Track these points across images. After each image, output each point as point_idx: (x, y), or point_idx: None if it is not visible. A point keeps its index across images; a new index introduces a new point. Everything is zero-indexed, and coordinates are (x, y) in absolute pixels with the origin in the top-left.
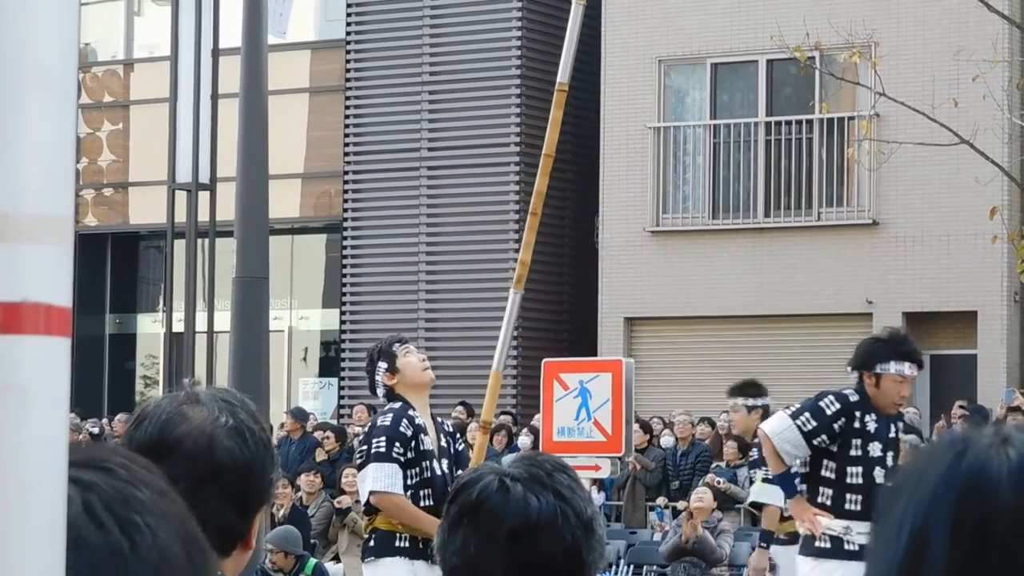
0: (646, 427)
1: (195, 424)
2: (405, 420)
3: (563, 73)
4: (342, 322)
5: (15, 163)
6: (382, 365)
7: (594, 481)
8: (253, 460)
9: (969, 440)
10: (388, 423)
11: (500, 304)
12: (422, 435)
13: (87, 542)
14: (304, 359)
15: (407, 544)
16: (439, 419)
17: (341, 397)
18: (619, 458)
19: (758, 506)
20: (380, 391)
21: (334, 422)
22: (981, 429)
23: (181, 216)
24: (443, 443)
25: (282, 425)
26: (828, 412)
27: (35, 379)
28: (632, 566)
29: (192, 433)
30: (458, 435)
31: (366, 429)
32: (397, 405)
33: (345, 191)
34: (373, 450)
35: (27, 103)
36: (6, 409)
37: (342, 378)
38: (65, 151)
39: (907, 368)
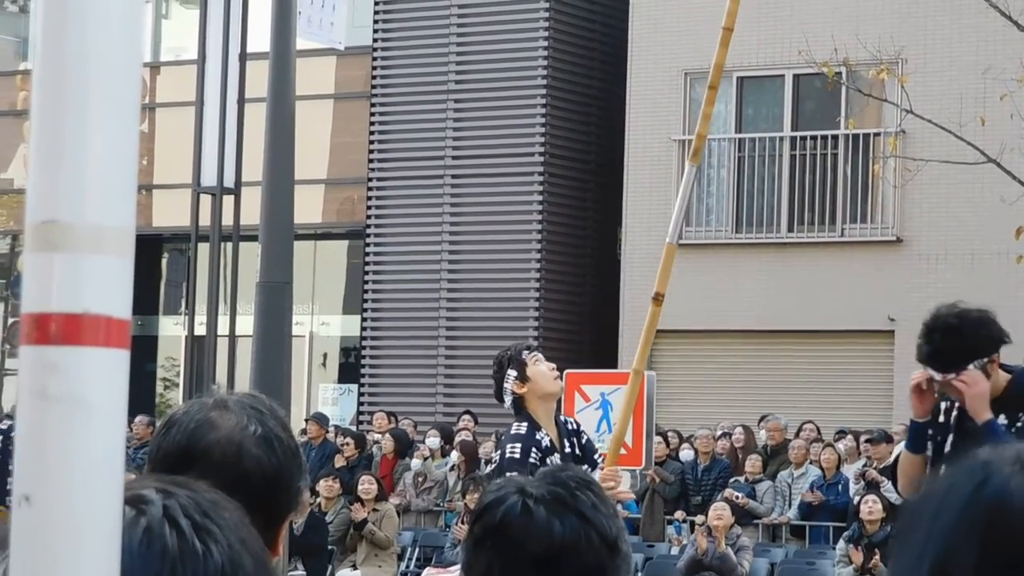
0: (667, 439)
1: (223, 433)
2: (533, 448)
3: None
4: (363, 328)
5: (78, 174)
6: (512, 373)
7: None
8: (281, 469)
9: (990, 467)
10: (518, 456)
11: (522, 311)
12: (549, 458)
13: (164, 543)
14: (324, 365)
15: None
16: (563, 419)
17: (361, 403)
18: (639, 471)
19: None
20: (507, 399)
21: (354, 428)
22: (1000, 451)
23: (205, 220)
24: (567, 449)
25: (304, 431)
26: None
27: (94, 390)
28: None
29: (220, 442)
30: (580, 427)
31: (496, 459)
32: (523, 430)
33: (369, 198)
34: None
35: (92, 116)
36: (65, 419)
37: (362, 384)
38: (127, 163)
39: None
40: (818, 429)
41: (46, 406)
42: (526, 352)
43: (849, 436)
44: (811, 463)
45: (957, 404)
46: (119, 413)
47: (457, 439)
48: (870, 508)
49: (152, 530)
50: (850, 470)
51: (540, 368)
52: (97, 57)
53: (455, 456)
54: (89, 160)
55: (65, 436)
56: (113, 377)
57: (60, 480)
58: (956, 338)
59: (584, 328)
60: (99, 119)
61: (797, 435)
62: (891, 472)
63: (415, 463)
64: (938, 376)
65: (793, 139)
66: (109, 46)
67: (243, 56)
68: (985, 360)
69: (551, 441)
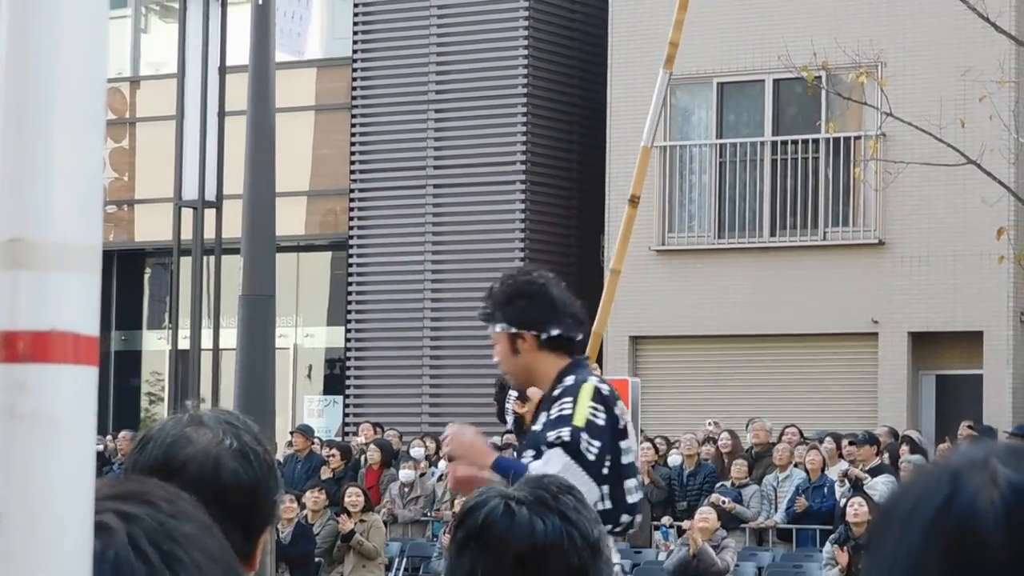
0: (655, 446)
1: (200, 447)
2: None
3: None
4: (347, 339)
5: (43, 191)
6: (513, 393)
7: None
8: (258, 482)
9: (957, 481)
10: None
11: None
12: None
13: (131, 574)
14: (309, 376)
15: None
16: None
17: (346, 415)
18: None
19: None
20: (509, 418)
21: (339, 440)
22: (970, 459)
23: (187, 233)
24: None
25: (289, 443)
26: None
27: (63, 408)
28: None
29: (197, 456)
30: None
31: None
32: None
33: (351, 208)
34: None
35: (56, 132)
36: (34, 438)
37: (347, 396)
38: (93, 180)
39: None
40: (800, 432)
41: (14, 424)
42: None
43: (829, 438)
44: (795, 466)
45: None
46: (88, 430)
47: (444, 450)
48: (855, 510)
49: (120, 565)
50: (832, 472)
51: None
52: (61, 75)
53: (443, 466)
54: (54, 177)
55: (34, 454)
56: (82, 394)
57: (30, 498)
58: (489, 296)
59: None
60: (64, 136)
61: (780, 439)
62: None
63: (404, 473)
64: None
65: (774, 143)
66: (73, 63)
67: (223, 69)
68: (512, 330)
69: None
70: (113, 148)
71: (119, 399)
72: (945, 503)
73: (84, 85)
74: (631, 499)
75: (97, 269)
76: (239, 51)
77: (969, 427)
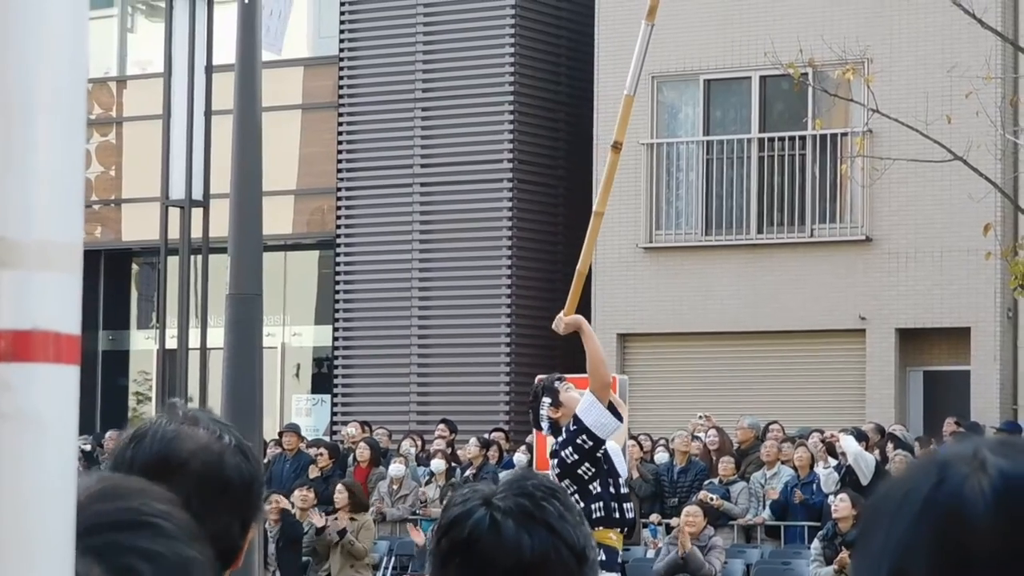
0: (640, 444)
1: (202, 443)
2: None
3: None
4: (335, 338)
5: (25, 190)
6: (546, 400)
7: None
8: (255, 476)
9: (946, 469)
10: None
11: (493, 320)
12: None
13: None
14: (297, 375)
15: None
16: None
17: (334, 414)
18: None
19: None
20: (545, 424)
21: (327, 439)
22: (960, 450)
23: (174, 233)
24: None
25: (277, 442)
26: None
27: (45, 407)
28: None
29: (200, 452)
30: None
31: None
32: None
33: (338, 207)
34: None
35: (37, 131)
36: (16, 436)
37: (335, 395)
38: (74, 178)
39: None
40: (783, 429)
41: None
42: (558, 382)
43: (815, 434)
44: (783, 463)
45: None
46: (71, 429)
47: (434, 447)
48: (836, 505)
49: None
50: (818, 469)
51: (572, 395)
52: (42, 74)
53: (435, 464)
54: (36, 177)
55: (17, 452)
56: (64, 393)
57: (12, 496)
58: None
59: (557, 334)
60: (45, 135)
61: (764, 436)
62: None
63: (394, 468)
64: None
65: (761, 140)
66: (54, 63)
67: (209, 68)
68: None
69: None
70: (100, 147)
71: (107, 399)
72: (934, 490)
73: (65, 83)
74: None
75: (78, 267)
76: (226, 50)
77: (956, 423)
